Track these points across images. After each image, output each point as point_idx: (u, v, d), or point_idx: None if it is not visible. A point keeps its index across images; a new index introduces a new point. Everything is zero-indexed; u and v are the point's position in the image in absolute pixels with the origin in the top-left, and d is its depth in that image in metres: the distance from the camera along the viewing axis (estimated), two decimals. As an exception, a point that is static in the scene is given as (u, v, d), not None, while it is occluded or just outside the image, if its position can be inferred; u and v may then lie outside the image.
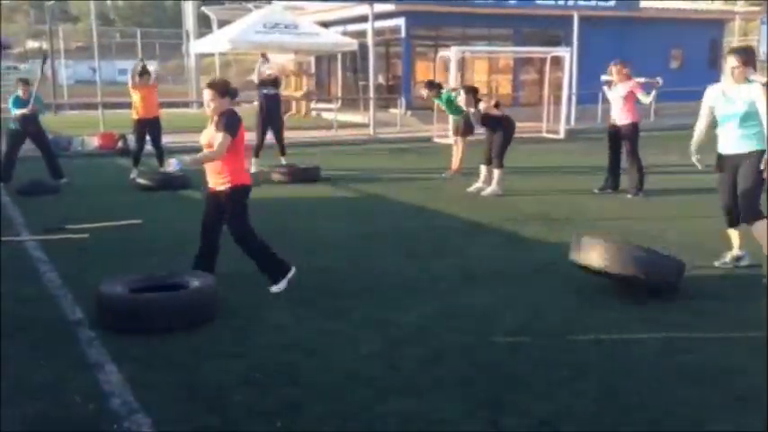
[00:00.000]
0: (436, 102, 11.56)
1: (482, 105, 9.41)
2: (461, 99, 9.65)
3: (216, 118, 5.07)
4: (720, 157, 5.68)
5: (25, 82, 10.53)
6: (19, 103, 10.23)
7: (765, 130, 5.28)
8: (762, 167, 5.33)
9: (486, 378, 3.77)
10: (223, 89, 5.15)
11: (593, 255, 4.88)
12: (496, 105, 9.54)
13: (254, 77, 11.70)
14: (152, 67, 11.73)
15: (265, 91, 11.38)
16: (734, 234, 5.80)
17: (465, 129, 10.70)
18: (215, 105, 5.05)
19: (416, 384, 3.69)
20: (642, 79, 9.57)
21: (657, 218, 7.94)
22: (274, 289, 5.19)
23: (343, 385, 3.68)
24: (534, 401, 3.50)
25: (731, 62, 5.39)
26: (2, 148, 10.62)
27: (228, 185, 5.13)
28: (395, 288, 5.34)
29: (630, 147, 9.13)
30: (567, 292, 5.14)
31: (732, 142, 5.56)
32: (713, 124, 5.73)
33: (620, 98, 9.12)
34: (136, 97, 10.93)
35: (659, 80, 9.93)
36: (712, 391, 3.60)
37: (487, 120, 9.39)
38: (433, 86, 11.15)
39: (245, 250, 5.24)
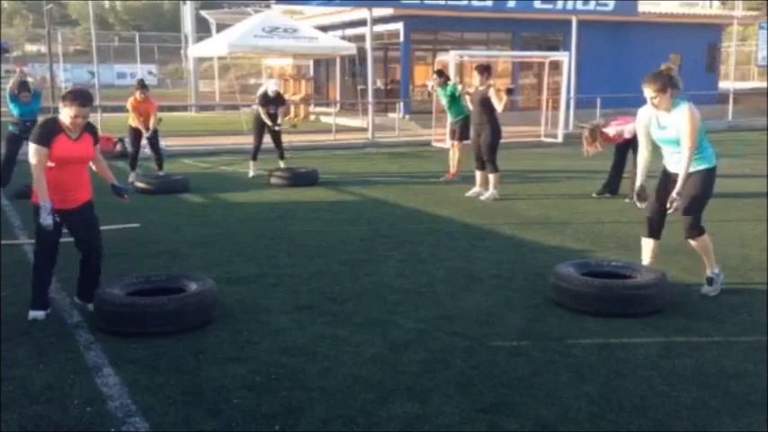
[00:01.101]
0: (440, 95, 11.41)
1: (492, 82, 9.31)
2: (492, 93, 9.36)
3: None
4: (665, 171, 5.26)
5: (25, 86, 10.49)
6: (17, 102, 10.17)
7: (686, 153, 4.90)
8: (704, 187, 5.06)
9: (487, 381, 3.76)
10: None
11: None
12: (509, 91, 9.34)
13: (258, 95, 11.65)
14: (152, 72, 11.69)
15: (271, 110, 11.33)
16: (647, 245, 5.40)
17: (461, 133, 10.68)
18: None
19: (417, 388, 3.68)
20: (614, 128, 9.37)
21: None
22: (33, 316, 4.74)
23: (344, 389, 3.67)
24: (535, 405, 3.49)
25: (646, 93, 4.97)
26: (0, 151, 10.60)
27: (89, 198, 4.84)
28: (395, 292, 5.33)
29: (636, 152, 9.10)
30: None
31: (674, 164, 5.13)
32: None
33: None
34: (135, 114, 10.87)
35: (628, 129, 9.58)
36: (712, 395, 3.60)
37: (484, 103, 9.22)
38: (443, 75, 11.17)
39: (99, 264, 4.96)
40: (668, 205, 5.00)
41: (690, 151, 4.91)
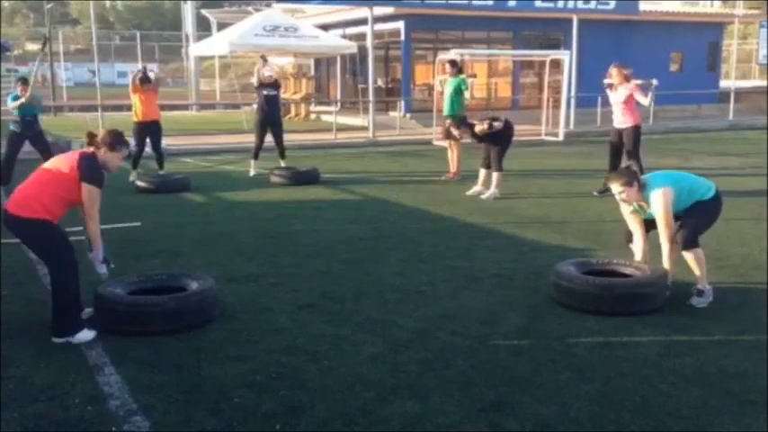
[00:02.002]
0: (446, 84, 11.35)
1: (477, 129, 9.34)
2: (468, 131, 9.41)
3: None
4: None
5: (24, 81, 10.51)
6: (18, 99, 10.20)
7: (664, 245, 4.95)
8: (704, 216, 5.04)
9: (488, 380, 3.76)
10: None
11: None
12: (490, 126, 9.34)
13: (254, 80, 11.66)
14: (152, 73, 11.69)
15: (265, 92, 11.34)
16: (637, 246, 5.31)
17: (453, 133, 10.62)
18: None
19: (418, 387, 3.68)
20: (639, 81, 9.57)
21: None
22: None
23: (345, 388, 3.67)
24: (536, 404, 3.49)
25: (613, 190, 5.02)
26: (0, 150, 10.62)
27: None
28: (395, 291, 5.33)
29: (632, 149, 9.14)
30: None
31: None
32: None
33: (621, 102, 9.16)
34: (136, 100, 10.93)
35: (654, 81, 9.87)
36: (713, 394, 3.60)
37: (490, 136, 9.32)
38: (456, 65, 11.18)
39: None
40: None
41: (667, 240, 4.93)
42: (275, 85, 11.58)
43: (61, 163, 4.43)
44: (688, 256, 5.02)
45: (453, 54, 15.89)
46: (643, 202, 5.02)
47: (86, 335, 4.34)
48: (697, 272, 5.02)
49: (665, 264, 5.04)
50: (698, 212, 5.03)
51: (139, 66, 11.57)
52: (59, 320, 4.35)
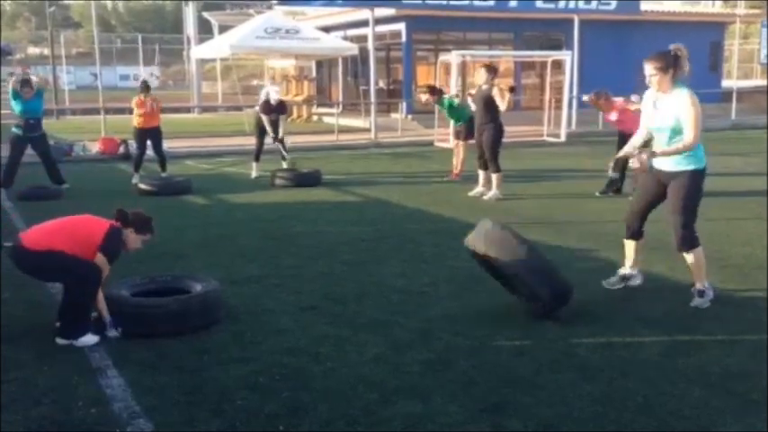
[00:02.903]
0: (437, 107, 11.54)
1: (495, 82, 9.29)
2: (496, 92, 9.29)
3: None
4: (652, 168, 4.99)
5: (27, 83, 10.47)
6: (19, 97, 10.15)
7: (688, 141, 4.68)
8: (697, 189, 4.85)
9: (491, 381, 3.76)
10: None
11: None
12: (511, 90, 9.31)
13: (260, 102, 11.60)
14: (154, 73, 11.70)
15: (273, 117, 11.30)
16: (630, 246, 5.27)
17: (467, 133, 10.67)
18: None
19: (420, 388, 3.69)
20: (618, 99, 9.43)
21: (659, 220, 7.90)
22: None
23: (348, 389, 3.68)
24: (538, 404, 3.49)
25: (646, 70, 4.75)
26: (0, 153, 10.63)
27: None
28: (398, 292, 5.33)
29: None
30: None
31: (662, 158, 4.90)
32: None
33: (616, 121, 9.22)
34: (139, 111, 10.93)
35: (633, 98, 9.54)
36: (716, 394, 3.60)
37: (487, 103, 9.18)
38: (435, 92, 11.09)
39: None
40: (636, 160, 4.81)
41: (694, 139, 4.66)
42: (281, 108, 11.50)
43: (91, 224, 4.48)
44: (688, 259, 4.93)
45: (454, 56, 15.90)
46: (668, 90, 4.73)
47: (90, 339, 4.34)
48: (696, 272, 4.94)
49: (672, 149, 4.72)
50: (685, 186, 4.79)
51: (140, 76, 11.57)
52: (66, 323, 4.36)
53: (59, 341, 4.35)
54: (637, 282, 5.32)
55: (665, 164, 4.88)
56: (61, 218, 4.60)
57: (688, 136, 4.69)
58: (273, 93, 11.46)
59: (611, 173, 4.76)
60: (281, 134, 11.40)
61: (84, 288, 4.34)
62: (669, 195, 4.90)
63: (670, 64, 4.70)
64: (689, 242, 4.88)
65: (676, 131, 4.75)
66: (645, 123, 5.04)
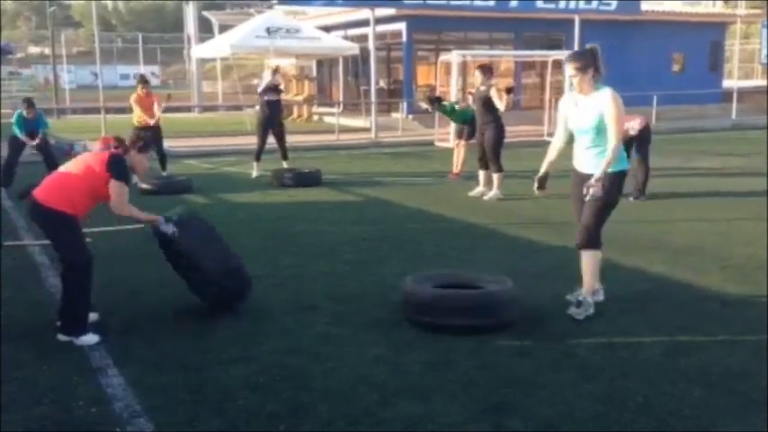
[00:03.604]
0: (439, 113, 11.55)
1: (494, 81, 9.30)
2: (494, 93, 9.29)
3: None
4: (575, 172, 4.90)
5: (30, 103, 10.56)
6: (22, 123, 10.29)
7: (612, 144, 4.52)
8: (614, 190, 4.66)
9: (491, 381, 3.76)
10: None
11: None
12: (509, 90, 9.31)
13: (259, 85, 11.66)
14: (154, 73, 11.70)
15: (267, 97, 11.38)
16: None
17: (469, 133, 10.67)
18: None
19: (421, 388, 3.68)
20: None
21: (659, 221, 7.93)
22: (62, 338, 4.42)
23: (348, 389, 3.67)
24: (539, 404, 3.49)
25: (567, 71, 4.64)
26: (0, 153, 10.66)
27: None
28: (398, 292, 5.32)
29: (641, 150, 9.12)
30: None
31: (585, 160, 4.76)
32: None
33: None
34: (138, 109, 10.97)
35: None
36: (717, 394, 3.59)
37: (486, 103, 9.18)
38: (433, 102, 11.09)
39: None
40: (584, 191, 4.57)
41: (617, 140, 4.50)
42: (277, 89, 11.60)
43: (92, 160, 4.52)
44: (584, 258, 4.68)
45: (454, 55, 15.90)
46: (589, 92, 4.59)
47: (90, 338, 4.35)
48: (585, 278, 4.67)
49: (605, 162, 4.51)
50: (611, 188, 4.61)
51: (141, 70, 11.60)
52: (66, 319, 4.39)
53: (61, 337, 4.37)
54: (600, 298, 4.93)
55: (587, 167, 4.72)
56: (68, 165, 4.60)
57: (612, 138, 4.53)
58: (273, 78, 11.47)
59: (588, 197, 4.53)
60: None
61: (76, 275, 4.38)
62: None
63: (590, 63, 4.58)
64: (587, 240, 4.67)
65: (599, 130, 4.59)
66: (565, 125, 4.87)
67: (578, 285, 4.82)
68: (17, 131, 10.32)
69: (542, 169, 5.08)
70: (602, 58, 4.65)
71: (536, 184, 5.09)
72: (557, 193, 9.68)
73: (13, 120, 10.44)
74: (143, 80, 11.09)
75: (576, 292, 4.79)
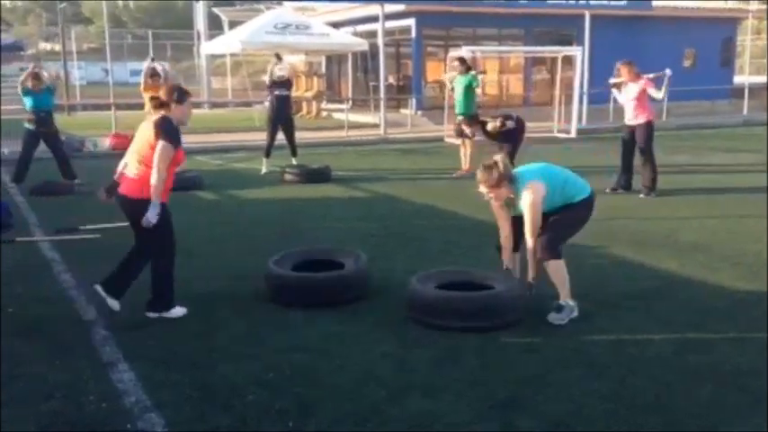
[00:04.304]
0: (455, 82, 11.37)
1: (490, 126, 9.38)
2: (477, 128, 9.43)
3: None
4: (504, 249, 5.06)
5: (36, 75, 10.51)
6: (30, 93, 10.23)
7: (529, 235, 4.65)
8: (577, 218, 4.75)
9: (499, 379, 3.76)
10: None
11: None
12: (502, 125, 9.38)
13: (266, 78, 11.68)
14: (161, 66, 11.68)
15: (277, 92, 11.40)
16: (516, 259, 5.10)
17: (466, 131, 10.63)
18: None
19: (429, 385, 3.69)
20: (651, 75, 9.46)
21: (669, 217, 7.90)
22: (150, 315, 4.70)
23: (356, 386, 3.68)
24: (547, 402, 3.49)
25: (482, 189, 4.75)
26: (1, 147, 10.69)
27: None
28: (406, 288, 5.32)
29: (645, 146, 9.08)
30: (578, 293, 5.10)
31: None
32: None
33: (633, 99, 9.08)
34: (147, 99, 10.96)
35: (668, 71, 9.59)
36: (726, 392, 3.58)
37: (503, 133, 9.32)
38: (464, 62, 11.20)
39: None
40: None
41: (532, 238, 4.65)
42: (287, 84, 11.61)
43: (146, 133, 4.59)
44: (548, 268, 4.70)
45: (464, 51, 15.85)
46: (513, 196, 4.71)
47: (179, 310, 4.67)
48: (557, 284, 4.66)
49: (530, 263, 4.77)
50: (565, 216, 4.72)
51: (148, 62, 11.55)
52: (157, 298, 4.66)
53: (150, 314, 4.64)
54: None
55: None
56: (131, 148, 4.71)
57: (527, 232, 4.69)
58: (278, 70, 11.47)
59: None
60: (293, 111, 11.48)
61: (166, 258, 4.69)
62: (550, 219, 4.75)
63: (501, 178, 4.64)
64: (550, 251, 4.65)
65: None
66: (503, 217, 4.98)
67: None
68: (25, 103, 10.28)
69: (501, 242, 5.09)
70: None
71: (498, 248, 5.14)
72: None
73: (20, 93, 10.41)
74: (153, 73, 11.07)
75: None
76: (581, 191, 4.80)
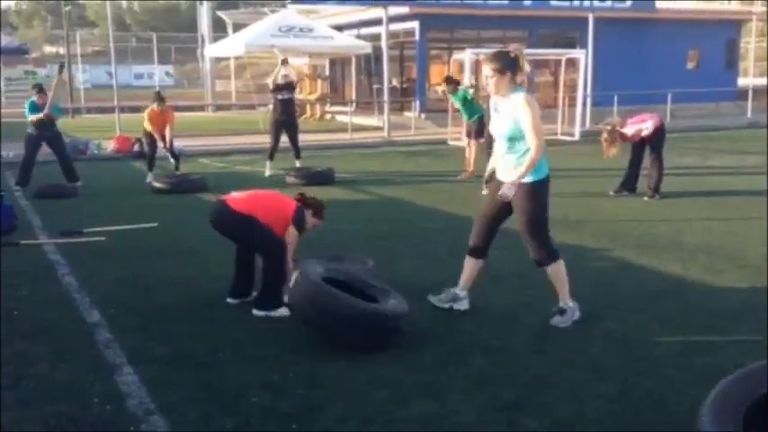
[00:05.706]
0: (451, 100, 11.51)
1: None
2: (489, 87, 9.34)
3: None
4: (494, 177, 4.71)
5: (40, 89, 10.62)
6: (35, 108, 10.35)
7: (532, 147, 4.31)
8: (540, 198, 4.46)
9: (505, 380, 3.75)
10: None
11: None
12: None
13: (270, 82, 11.68)
14: (168, 72, 11.69)
15: (280, 96, 11.40)
16: (469, 265, 4.90)
17: (477, 131, 10.68)
18: None
19: (435, 386, 3.68)
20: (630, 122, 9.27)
21: (674, 220, 7.88)
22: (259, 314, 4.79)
23: (362, 387, 3.67)
24: (553, 403, 3.47)
25: (484, 71, 4.38)
26: (1, 151, 10.73)
27: None
28: (412, 290, 5.31)
29: (655, 148, 9.06)
30: (584, 294, 5.09)
31: (502, 166, 4.55)
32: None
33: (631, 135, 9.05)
34: (150, 125, 10.88)
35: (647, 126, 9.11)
36: (733, 394, 3.56)
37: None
38: (451, 81, 11.17)
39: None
40: (499, 194, 4.45)
41: (535, 149, 4.29)
42: (291, 87, 11.62)
43: (283, 200, 5.01)
44: (548, 272, 4.57)
45: (469, 53, 15.85)
46: (506, 94, 4.34)
47: (283, 311, 4.68)
48: (557, 287, 4.58)
49: (523, 169, 4.33)
50: (524, 200, 4.43)
51: (155, 75, 11.56)
52: (265, 296, 4.76)
53: (256, 313, 4.73)
54: (462, 307, 4.82)
55: (504, 174, 4.51)
56: (255, 190, 5.16)
57: (531, 145, 4.32)
58: (282, 77, 11.48)
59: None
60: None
61: (276, 256, 4.74)
62: (514, 210, 4.55)
63: (507, 66, 4.30)
64: (545, 255, 4.51)
65: (513, 139, 4.38)
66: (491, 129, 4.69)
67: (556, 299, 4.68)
68: (32, 114, 10.34)
69: (487, 172, 4.95)
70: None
71: (484, 184, 5.14)
72: (570, 192, 9.69)
73: (26, 107, 10.48)
74: (159, 97, 11.02)
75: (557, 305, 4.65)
76: (541, 168, 4.46)
